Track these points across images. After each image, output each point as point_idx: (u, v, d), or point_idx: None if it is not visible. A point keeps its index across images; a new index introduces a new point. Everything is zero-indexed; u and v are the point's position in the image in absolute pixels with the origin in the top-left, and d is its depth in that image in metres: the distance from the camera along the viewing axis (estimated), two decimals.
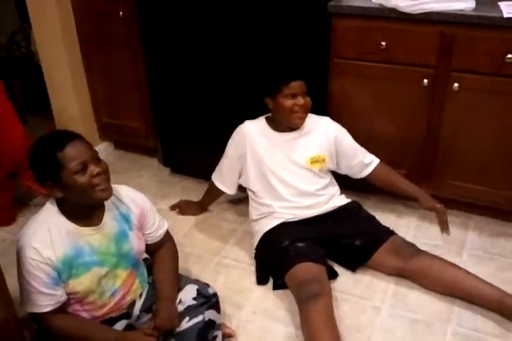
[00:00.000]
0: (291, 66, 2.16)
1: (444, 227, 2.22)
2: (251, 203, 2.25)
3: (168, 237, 1.86)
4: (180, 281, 1.79)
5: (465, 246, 2.29)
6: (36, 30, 2.74)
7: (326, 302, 1.84)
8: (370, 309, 2.01)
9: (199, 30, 2.36)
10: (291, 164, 2.14)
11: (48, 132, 1.61)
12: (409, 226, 2.37)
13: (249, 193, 2.26)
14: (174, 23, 2.39)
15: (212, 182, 2.34)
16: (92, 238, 1.60)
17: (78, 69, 2.83)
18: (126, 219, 1.68)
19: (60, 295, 1.57)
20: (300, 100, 2.05)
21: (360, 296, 2.06)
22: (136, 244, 1.70)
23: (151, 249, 1.82)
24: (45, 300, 1.56)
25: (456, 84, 2.10)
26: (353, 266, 2.17)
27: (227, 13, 2.27)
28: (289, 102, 2.06)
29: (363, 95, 2.29)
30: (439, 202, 2.21)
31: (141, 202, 1.74)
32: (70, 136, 1.55)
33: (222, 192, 2.35)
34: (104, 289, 1.65)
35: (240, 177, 2.25)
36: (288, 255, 2.01)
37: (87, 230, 1.59)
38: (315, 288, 1.87)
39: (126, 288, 1.71)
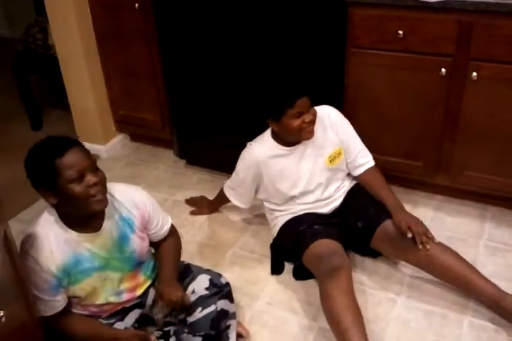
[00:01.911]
0: (293, 82, 1.99)
1: (420, 243, 1.90)
2: (268, 206, 2.20)
3: (172, 231, 1.84)
4: (192, 271, 1.80)
5: (482, 237, 2.27)
6: (52, 23, 2.75)
7: (346, 276, 1.83)
8: (385, 300, 2.00)
9: (215, 23, 2.35)
10: (310, 172, 2.09)
11: (47, 137, 1.56)
12: (425, 217, 2.33)
13: (266, 202, 2.21)
14: (190, 15, 2.39)
15: (224, 194, 2.28)
16: (91, 245, 1.59)
17: (94, 61, 2.85)
18: (127, 222, 1.65)
19: (59, 300, 1.60)
20: (307, 117, 1.93)
21: (376, 288, 2.06)
22: (138, 246, 1.68)
23: (156, 243, 1.82)
24: (48, 306, 1.58)
25: (474, 73, 2.06)
26: (363, 252, 2.15)
27: (243, 6, 2.25)
28: (297, 122, 1.92)
29: (380, 85, 2.26)
30: (413, 221, 1.94)
31: (142, 204, 1.69)
32: (70, 143, 1.51)
33: None
34: (109, 292, 1.67)
35: (255, 193, 2.19)
36: (305, 235, 2.01)
37: (86, 237, 1.58)
38: (335, 262, 1.86)
39: (132, 287, 1.72)
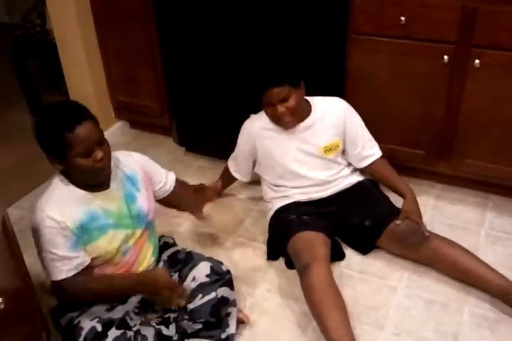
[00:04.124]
0: (271, 71, 2.02)
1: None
2: (265, 186, 2.23)
3: (177, 181, 1.92)
4: (193, 259, 1.81)
5: (483, 225, 2.26)
6: (51, 7, 2.72)
7: (318, 271, 1.81)
8: (386, 288, 2.00)
9: (214, 8, 2.32)
10: (305, 155, 2.10)
11: (60, 102, 1.60)
12: (426, 206, 2.34)
13: (263, 179, 2.23)
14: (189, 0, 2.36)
15: (228, 169, 2.33)
16: (103, 201, 1.63)
17: (93, 47, 2.82)
18: (132, 181, 1.72)
19: (82, 257, 1.59)
20: (277, 110, 1.96)
21: (377, 276, 2.05)
22: (145, 204, 1.73)
23: (167, 199, 1.89)
24: (69, 264, 1.57)
25: (477, 61, 2.04)
26: (362, 249, 2.15)
27: None
28: (269, 110, 2.01)
29: (381, 72, 2.24)
30: (419, 212, 2.02)
31: (143, 161, 1.80)
32: (82, 116, 1.53)
33: (236, 179, 2.35)
34: (119, 249, 1.68)
35: (254, 166, 2.24)
36: (291, 226, 2.02)
37: (96, 195, 1.62)
38: (305, 258, 1.87)
39: (138, 247, 1.74)
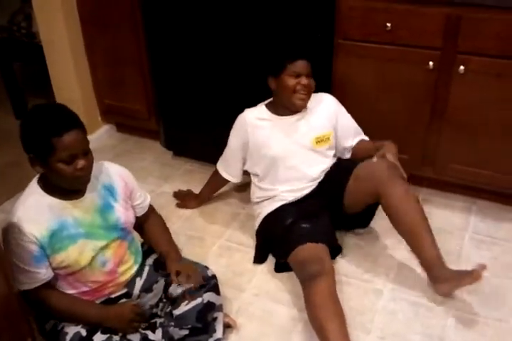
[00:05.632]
0: (299, 44, 2.15)
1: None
2: (253, 186, 2.24)
3: (153, 209, 1.93)
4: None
5: (467, 229, 2.29)
6: (37, 10, 2.71)
7: (326, 282, 1.82)
8: (372, 292, 2.01)
9: (201, 9, 2.33)
10: (296, 147, 2.13)
11: (52, 105, 1.62)
12: None
13: (253, 177, 2.25)
14: (176, 2, 2.36)
15: (217, 172, 2.32)
16: (75, 211, 1.62)
17: (79, 50, 2.81)
18: (110, 191, 1.71)
19: (43, 273, 1.59)
20: (304, 80, 2.03)
21: (363, 279, 2.07)
22: (123, 215, 1.71)
23: (140, 221, 1.85)
24: (30, 278, 1.57)
25: (462, 67, 2.07)
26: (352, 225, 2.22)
27: None
28: (292, 81, 2.03)
29: (368, 77, 2.26)
30: (396, 155, 2.03)
31: (125, 174, 1.79)
32: (71, 123, 1.53)
33: (226, 182, 2.35)
34: (94, 260, 1.66)
35: (244, 164, 2.24)
36: (291, 236, 2.00)
37: (68, 203, 1.61)
38: (314, 269, 1.86)
39: (117, 258, 1.72)
